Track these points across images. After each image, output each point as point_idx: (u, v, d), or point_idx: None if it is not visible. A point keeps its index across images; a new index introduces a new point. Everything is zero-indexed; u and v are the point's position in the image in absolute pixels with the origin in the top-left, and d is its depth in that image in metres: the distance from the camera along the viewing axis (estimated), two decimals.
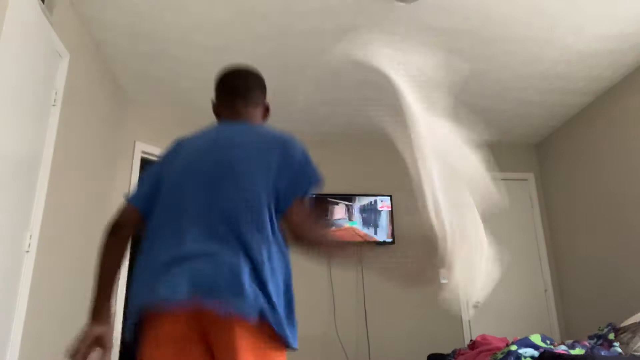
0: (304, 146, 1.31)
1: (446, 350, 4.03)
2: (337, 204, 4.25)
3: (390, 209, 4.28)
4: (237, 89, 1.47)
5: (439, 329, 4.10)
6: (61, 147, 2.52)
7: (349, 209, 4.25)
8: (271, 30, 2.90)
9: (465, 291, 1.20)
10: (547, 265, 4.35)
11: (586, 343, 2.26)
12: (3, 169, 1.86)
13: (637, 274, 3.37)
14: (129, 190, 3.59)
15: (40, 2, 2.20)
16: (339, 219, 4.20)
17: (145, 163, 3.94)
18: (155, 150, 3.82)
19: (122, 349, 3.14)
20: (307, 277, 4.17)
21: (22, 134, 2.04)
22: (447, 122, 1.46)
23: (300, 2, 2.66)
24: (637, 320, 2.42)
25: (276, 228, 1.16)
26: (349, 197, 4.27)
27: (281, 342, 1.09)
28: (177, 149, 1.33)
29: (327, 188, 4.41)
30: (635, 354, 2.14)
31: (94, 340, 1.12)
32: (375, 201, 4.29)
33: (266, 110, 1.59)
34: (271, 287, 1.07)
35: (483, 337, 2.55)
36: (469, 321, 4.15)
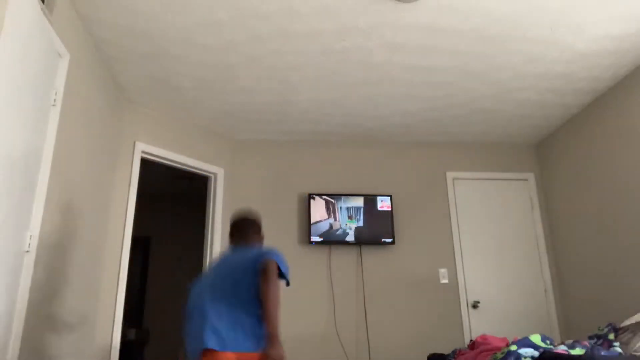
0: (275, 250, 2.01)
1: (446, 350, 4.04)
2: (336, 203, 4.25)
3: (390, 209, 4.28)
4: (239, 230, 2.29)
5: (439, 329, 4.10)
6: (61, 147, 2.53)
7: (350, 209, 4.25)
8: (271, 30, 2.90)
9: None
10: (547, 265, 4.35)
11: (586, 343, 2.26)
12: (3, 169, 1.86)
13: (637, 274, 3.37)
14: (128, 191, 3.61)
15: (40, 2, 2.20)
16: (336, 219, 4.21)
17: (145, 163, 3.95)
18: (155, 150, 3.83)
19: (122, 349, 3.14)
20: (308, 277, 4.17)
21: (22, 134, 2.04)
22: None
23: (301, 2, 2.66)
24: (637, 320, 2.42)
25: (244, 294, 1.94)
26: (349, 197, 4.27)
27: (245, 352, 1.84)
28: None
29: (327, 188, 4.44)
30: (635, 354, 2.14)
31: None
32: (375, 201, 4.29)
33: (261, 238, 2.34)
34: (220, 328, 1.86)
35: (483, 337, 2.54)
36: (469, 321, 4.15)
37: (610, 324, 2.51)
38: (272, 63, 3.26)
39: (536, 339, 2.06)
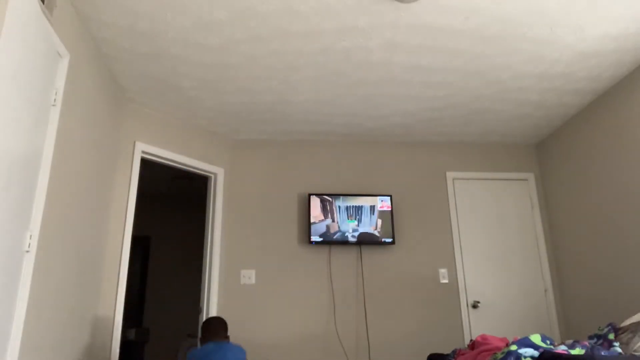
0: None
1: (446, 350, 4.04)
2: (335, 203, 4.25)
3: (390, 209, 4.28)
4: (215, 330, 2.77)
5: (439, 329, 4.10)
6: (61, 147, 2.53)
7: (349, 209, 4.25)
8: (271, 30, 2.90)
9: None
10: (547, 265, 4.35)
11: (586, 343, 2.26)
12: (3, 169, 1.86)
13: (637, 274, 3.37)
14: (128, 190, 3.61)
15: (40, 2, 2.20)
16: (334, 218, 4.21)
17: (145, 163, 3.95)
18: (155, 150, 3.83)
19: (122, 348, 3.14)
20: (308, 277, 4.17)
21: (22, 134, 2.04)
22: None
23: (301, 2, 2.66)
24: (637, 320, 2.42)
25: None
26: (349, 197, 4.27)
27: None
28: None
29: (327, 188, 4.44)
30: (635, 354, 2.14)
31: None
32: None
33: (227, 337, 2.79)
34: None
35: (483, 337, 2.54)
36: (469, 321, 4.15)
37: (610, 324, 2.51)
38: (272, 63, 3.26)
39: (536, 338, 2.06)
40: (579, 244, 4.04)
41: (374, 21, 2.83)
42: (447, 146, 4.69)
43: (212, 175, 4.29)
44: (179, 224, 6.66)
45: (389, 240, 4.19)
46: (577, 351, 2.03)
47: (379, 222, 4.24)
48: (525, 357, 1.93)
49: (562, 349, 2.03)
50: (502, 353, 2.00)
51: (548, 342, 2.08)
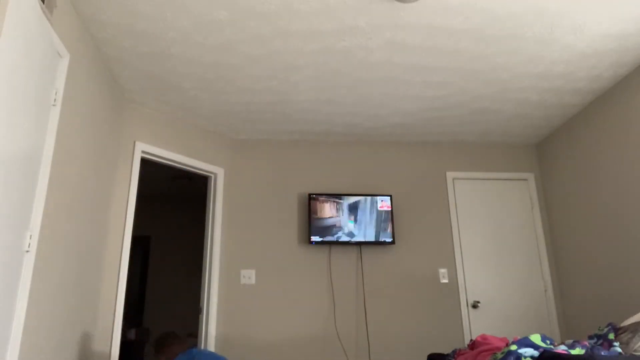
0: None
1: (446, 350, 4.04)
2: (336, 202, 4.25)
3: (390, 209, 4.28)
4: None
5: (439, 329, 4.11)
6: (61, 147, 2.53)
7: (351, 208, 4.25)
8: (271, 30, 2.90)
9: None
10: (547, 265, 4.35)
11: (586, 343, 2.26)
12: (3, 168, 1.86)
13: (637, 273, 3.37)
14: (128, 190, 3.61)
15: (40, 2, 2.20)
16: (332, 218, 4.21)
17: (145, 163, 3.95)
18: (155, 150, 3.83)
19: (122, 348, 3.14)
20: (308, 277, 4.17)
21: (22, 134, 2.04)
22: None
23: (301, 2, 2.66)
24: (637, 320, 2.42)
25: None
26: (349, 197, 4.27)
27: None
28: None
29: (327, 188, 4.44)
30: (635, 354, 2.14)
31: None
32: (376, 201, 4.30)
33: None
34: None
35: (483, 337, 2.54)
36: (469, 321, 4.15)
37: (610, 324, 2.51)
38: (272, 63, 3.26)
39: (536, 338, 2.06)
40: (579, 243, 4.04)
41: (374, 21, 2.83)
42: (447, 146, 4.69)
43: (212, 175, 4.29)
44: (179, 224, 6.66)
45: (389, 240, 4.19)
46: (577, 351, 2.03)
47: (379, 222, 4.24)
48: (525, 357, 1.93)
49: (562, 349, 2.03)
50: (502, 353, 2.00)
51: (548, 342, 2.08)
